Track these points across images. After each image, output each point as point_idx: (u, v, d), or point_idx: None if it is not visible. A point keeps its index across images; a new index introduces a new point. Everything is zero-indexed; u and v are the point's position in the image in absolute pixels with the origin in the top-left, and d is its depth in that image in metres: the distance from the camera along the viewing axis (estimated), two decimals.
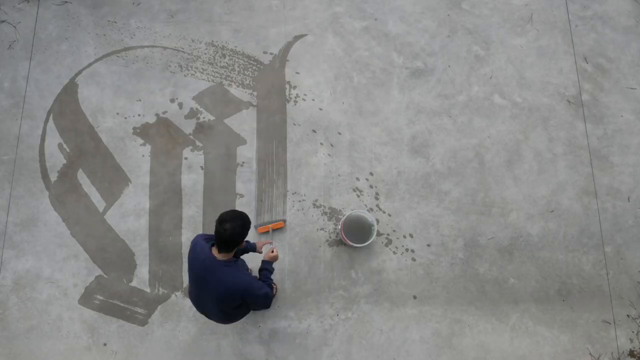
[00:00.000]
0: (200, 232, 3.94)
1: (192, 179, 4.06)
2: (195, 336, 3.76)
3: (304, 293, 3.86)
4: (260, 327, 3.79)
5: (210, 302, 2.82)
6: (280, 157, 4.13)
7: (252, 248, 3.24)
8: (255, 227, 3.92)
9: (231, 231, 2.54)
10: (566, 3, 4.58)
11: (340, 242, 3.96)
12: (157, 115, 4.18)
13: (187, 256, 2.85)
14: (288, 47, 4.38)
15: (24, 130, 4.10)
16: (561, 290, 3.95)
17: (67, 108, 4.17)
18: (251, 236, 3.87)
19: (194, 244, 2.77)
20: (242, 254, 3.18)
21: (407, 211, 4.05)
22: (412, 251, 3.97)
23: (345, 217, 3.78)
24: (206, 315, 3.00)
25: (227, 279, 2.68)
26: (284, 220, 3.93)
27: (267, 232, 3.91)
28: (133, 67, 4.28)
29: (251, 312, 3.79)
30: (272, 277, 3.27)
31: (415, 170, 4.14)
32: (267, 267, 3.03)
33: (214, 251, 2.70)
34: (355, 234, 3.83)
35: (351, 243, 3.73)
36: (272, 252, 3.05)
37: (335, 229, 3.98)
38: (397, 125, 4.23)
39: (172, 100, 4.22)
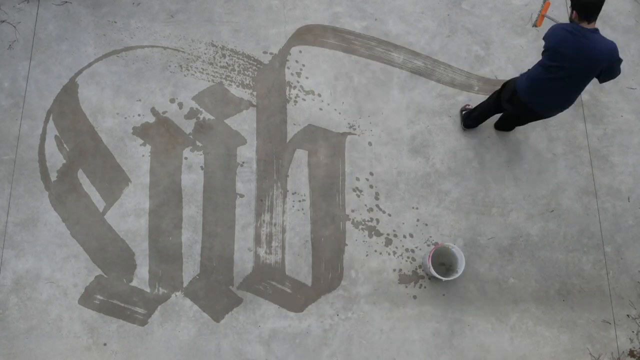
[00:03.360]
0: (200, 232, 3.94)
1: (192, 179, 4.06)
2: (195, 336, 3.76)
3: (304, 293, 3.86)
4: (260, 327, 3.79)
5: (574, 79, 3.26)
6: (280, 157, 4.13)
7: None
8: (534, 26, 3.64)
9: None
10: (566, 3, 4.58)
11: (342, 242, 3.96)
12: (157, 115, 4.18)
13: (548, 40, 3.22)
14: (288, 47, 4.38)
15: (24, 130, 4.10)
16: (561, 290, 3.95)
17: (67, 108, 4.17)
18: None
19: (558, 28, 3.13)
20: None
21: (407, 211, 4.05)
22: (412, 251, 3.97)
23: (434, 250, 3.76)
24: (544, 108, 3.45)
25: (600, 43, 3.10)
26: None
27: (543, 19, 3.52)
28: (133, 67, 4.28)
29: (250, 312, 3.80)
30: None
31: (415, 170, 4.14)
32: None
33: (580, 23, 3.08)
34: (439, 267, 3.89)
35: (439, 276, 3.72)
36: None
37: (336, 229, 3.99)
38: (397, 125, 4.23)
39: (172, 100, 4.22)
